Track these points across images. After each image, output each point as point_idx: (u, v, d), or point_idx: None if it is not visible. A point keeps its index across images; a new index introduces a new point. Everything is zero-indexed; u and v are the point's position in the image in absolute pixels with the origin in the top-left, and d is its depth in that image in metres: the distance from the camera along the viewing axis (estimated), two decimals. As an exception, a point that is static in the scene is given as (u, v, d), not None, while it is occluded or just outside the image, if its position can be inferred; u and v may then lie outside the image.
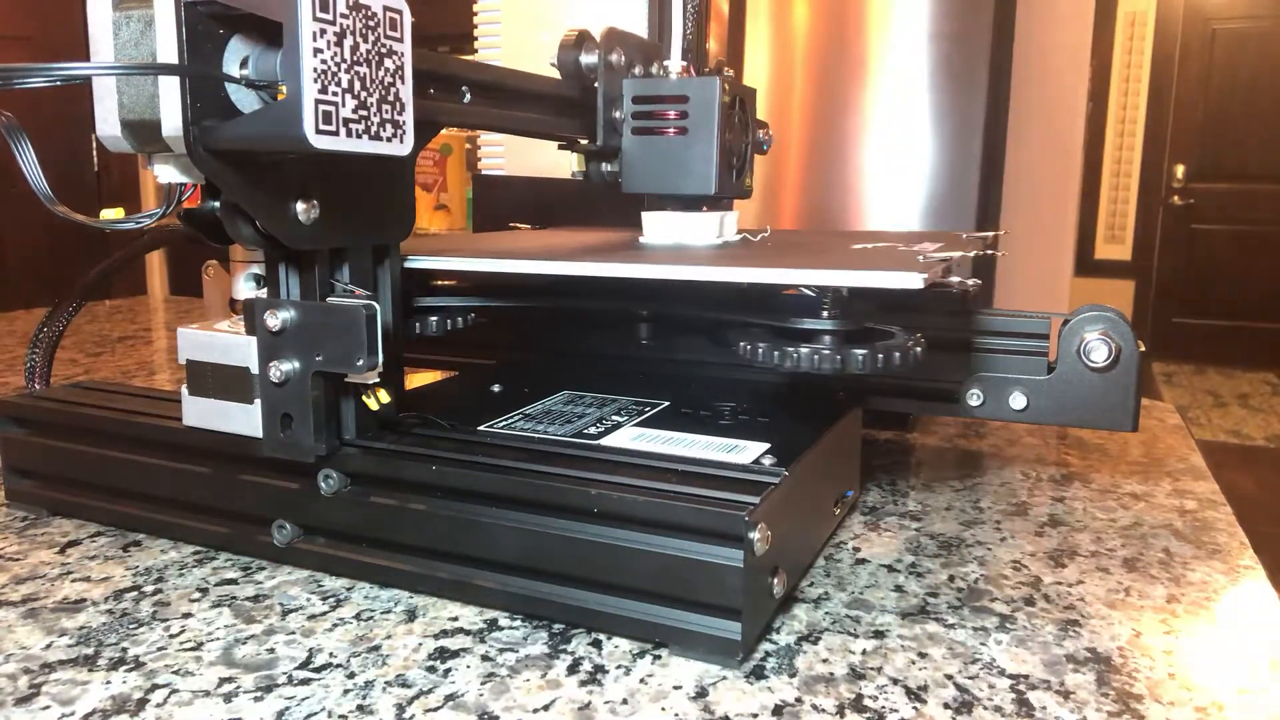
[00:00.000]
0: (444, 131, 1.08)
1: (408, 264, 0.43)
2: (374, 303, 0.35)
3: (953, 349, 0.48)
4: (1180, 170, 4.23)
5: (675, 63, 0.52)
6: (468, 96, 0.41)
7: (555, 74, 0.48)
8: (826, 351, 0.39)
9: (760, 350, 0.40)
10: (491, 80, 0.43)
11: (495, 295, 0.51)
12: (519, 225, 0.73)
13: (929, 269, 0.36)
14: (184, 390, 0.40)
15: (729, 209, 0.53)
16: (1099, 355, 0.45)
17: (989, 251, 0.55)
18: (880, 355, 0.39)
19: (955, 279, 0.43)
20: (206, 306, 0.76)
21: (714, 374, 0.53)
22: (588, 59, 0.48)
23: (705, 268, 0.39)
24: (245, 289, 0.42)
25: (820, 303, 0.41)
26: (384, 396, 0.38)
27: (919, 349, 0.41)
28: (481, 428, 0.42)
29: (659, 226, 0.52)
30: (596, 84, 0.49)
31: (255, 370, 0.37)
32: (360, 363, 0.34)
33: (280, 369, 0.36)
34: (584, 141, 0.50)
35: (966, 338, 0.48)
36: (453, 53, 0.44)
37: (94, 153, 3.18)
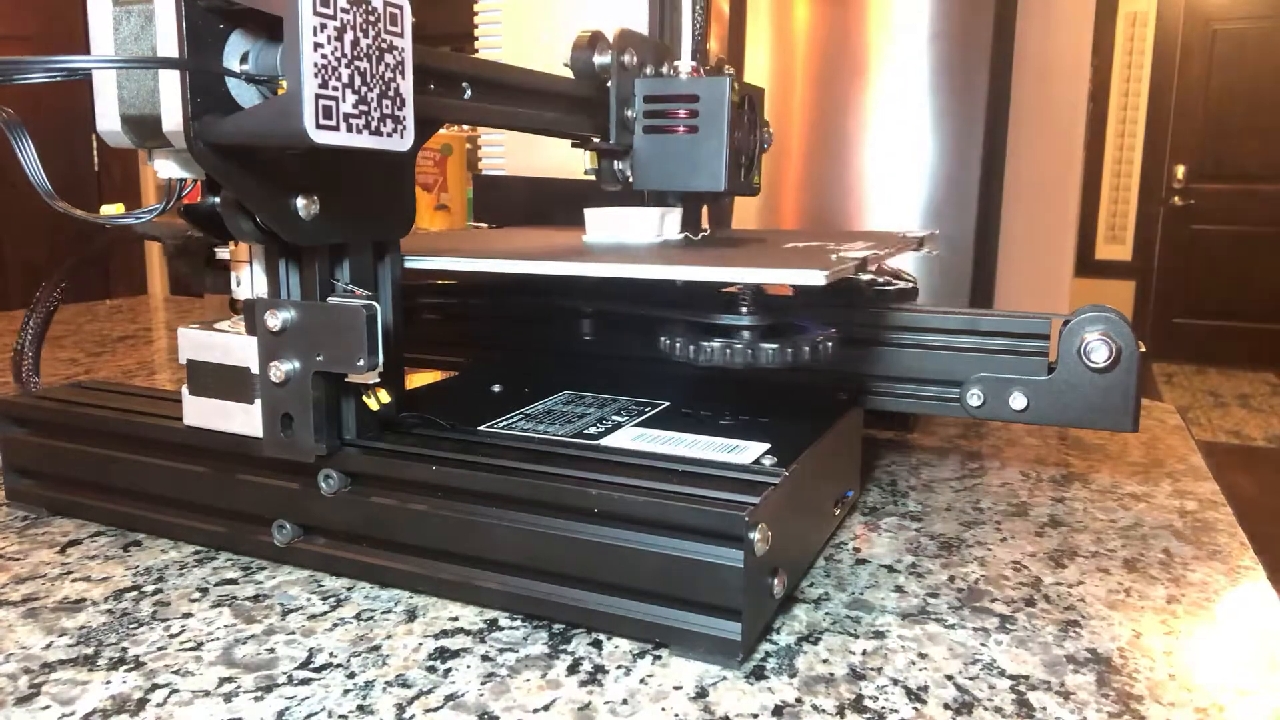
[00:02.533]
0: (445, 131, 1.08)
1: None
2: (374, 303, 0.35)
3: (953, 349, 0.48)
4: (1181, 171, 4.23)
5: (685, 63, 0.53)
6: (468, 93, 0.41)
7: (568, 73, 0.49)
8: (739, 346, 0.41)
9: (678, 345, 0.42)
10: (506, 79, 0.43)
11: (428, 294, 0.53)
12: (479, 225, 0.75)
13: (833, 267, 0.37)
14: (184, 390, 0.40)
15: (673, 207, 0.54)
16: (1099, 356, 0.45)
17: (921, 250, 0.56)
18: (790, 350, 0.41)
19: (899, 278, 0.44)
20: (207, 306, 0.76)
21: (642, 368, 0.53)
22: (601, 59, 0.49)
23: (627, 265, 0.40)
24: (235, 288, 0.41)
25: (739, 299, 0.43)
26: (384, 396, 0.38)
27: (830, 344, 0.42)
28: (482, 428, 0.42)
29: (601, 224, 0.53)
30: (610, 84, 0.50)
31: (256, 370, 0.37)
32: (361, 363, 0.34)
33: (280, 369, 0.36)
34: (596, 140, 0.51)
35: (967, 338, 0.48)
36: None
37: (94, 151, 3.18)
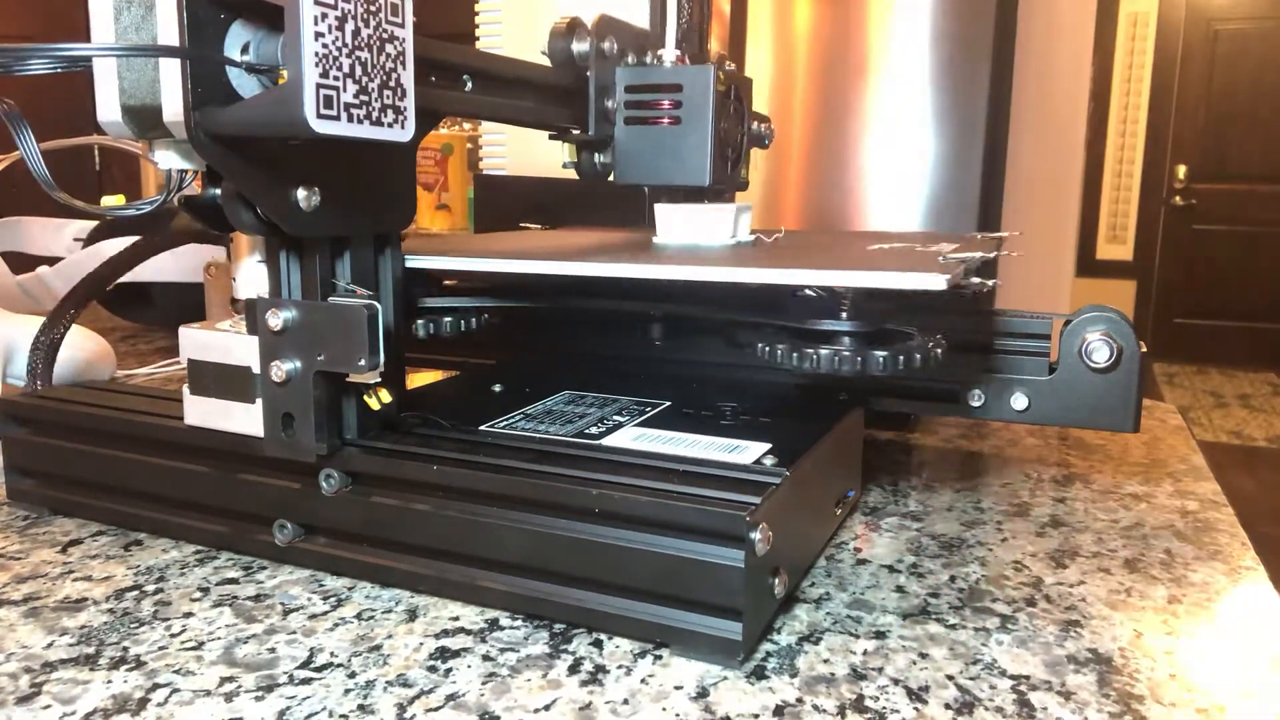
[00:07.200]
0: (446, 131, 1.08)
1: (415, 263, 0.42)
2: (375, 302, 0.35)
3: (955, 349, 0.48)
4: (1182, 171, 4.23)
5: (670, 51, 0.51)
6: (470, 85, 0.41)
7: (547, 62, 0.47)
8: (847, 353, 0.39)
9: (779, 352, 0.40)
10: (484, 67, 0.42)
11: (508, 296, 0.50)
12: (529, 225, 0.73)
13: (950, 270, 0.36)
14: (185, 389, 0.40)
15: (744, 206, 0.53)
16: (1100, 356, 0.45)
17: (1003, 253, 0.55)
18: (901, 356, 0.39)
19: (976, 280, 0.43)
20: (207, 306, 0.76)
21: (722, 374, 0.52)
22: (579, 47, 0.47)
23: (724, 269, 0.39)
24: (244, 286, 0.41)
25: (838, 304, 0.41)
26: (385, 396, 0.38)
27: (939, 350, 0.41)
28: (483, 427, 0.42)
29: (672, 224, 0.51)
30: (589, 72, 0.48)
31: (257, 370, 0.37)
32: (362, 363, 0.34)
33: (281, 368, 0.36)
34: (576, 131, 0.49)
35: (968, 338, 0.48)
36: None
37: (95, 151, 3.18)
